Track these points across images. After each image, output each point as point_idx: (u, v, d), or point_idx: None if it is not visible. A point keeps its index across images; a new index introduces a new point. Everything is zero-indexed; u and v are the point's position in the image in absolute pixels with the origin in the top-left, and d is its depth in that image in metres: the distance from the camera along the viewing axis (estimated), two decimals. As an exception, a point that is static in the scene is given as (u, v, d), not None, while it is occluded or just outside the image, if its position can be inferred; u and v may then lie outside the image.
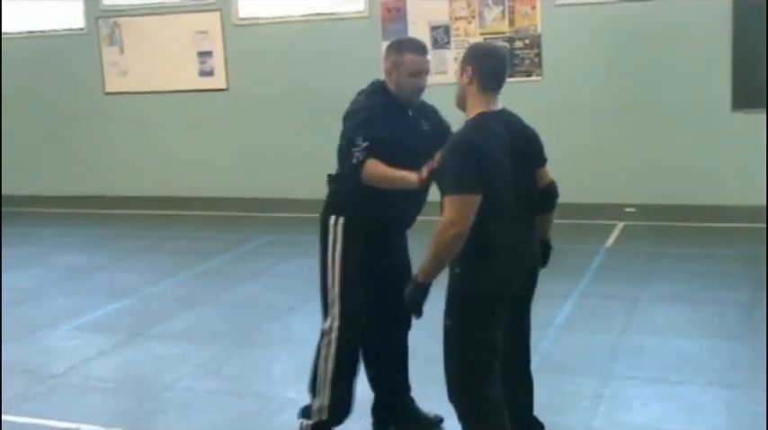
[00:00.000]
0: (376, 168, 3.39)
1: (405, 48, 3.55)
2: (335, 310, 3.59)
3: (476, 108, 3.16)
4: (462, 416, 3.29)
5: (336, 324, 3.58)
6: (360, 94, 3.66)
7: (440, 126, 3.65)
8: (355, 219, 3.56)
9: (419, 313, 3.20)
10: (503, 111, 3.23)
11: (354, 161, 3.39)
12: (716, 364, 4.54)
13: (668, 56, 8.18)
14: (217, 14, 9.58)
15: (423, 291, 3.14)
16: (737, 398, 4.15)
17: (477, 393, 3.23)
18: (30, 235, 8.52)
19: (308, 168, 9.39)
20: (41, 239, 8.31)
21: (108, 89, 10.19)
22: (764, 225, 7.08)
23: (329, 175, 3.70)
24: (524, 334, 3.45)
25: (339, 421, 3.70)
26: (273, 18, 9.45)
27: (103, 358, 5.04)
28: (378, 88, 3.61)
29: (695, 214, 7.86)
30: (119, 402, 4.44)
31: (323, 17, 9.24)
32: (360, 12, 9.09)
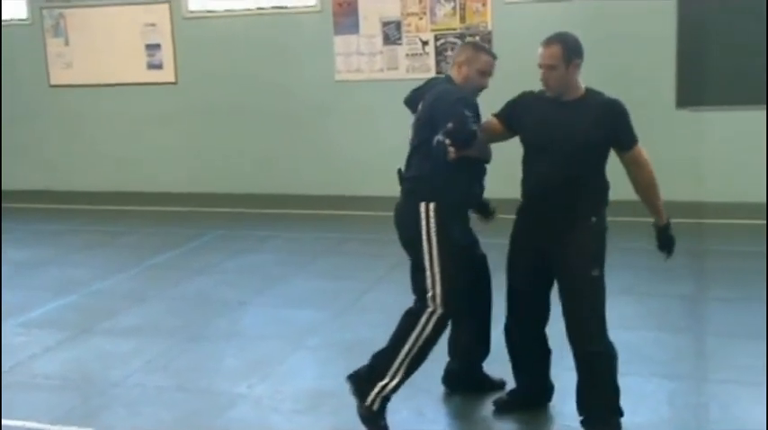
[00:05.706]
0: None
1: (481, 48, 4.03)
2: (438, 292, 3.62)
3: (580, 85, 3.92)
4: (608, 359, 3.82)
5: (439, 307, 3.63)
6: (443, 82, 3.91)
7: None
8: (444, 204, 3.69)
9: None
10: None
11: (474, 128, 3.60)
12: (659, 356, 4.65)
13: (616, 54, 8.30)
14: (166, 7, 9.49)
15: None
16: (680, 389, 4.24)
17: None
18: (-28, 230, 8.34)
19: (259, 164, 9.37)
20: (-15, 234, 8.14)
21: (53, 82, 10.03)
22: (702, 221, 7.35)
23: (401, 170, 3.82)
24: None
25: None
26: (224, 11, 9.38)
27: (49, 355, 4.98)
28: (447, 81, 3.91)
29: (640, 210, 7.96)
30: (65, 399, 4.39)
31: (275, 11, 9.20)
32: (311, 6, 9.06)
